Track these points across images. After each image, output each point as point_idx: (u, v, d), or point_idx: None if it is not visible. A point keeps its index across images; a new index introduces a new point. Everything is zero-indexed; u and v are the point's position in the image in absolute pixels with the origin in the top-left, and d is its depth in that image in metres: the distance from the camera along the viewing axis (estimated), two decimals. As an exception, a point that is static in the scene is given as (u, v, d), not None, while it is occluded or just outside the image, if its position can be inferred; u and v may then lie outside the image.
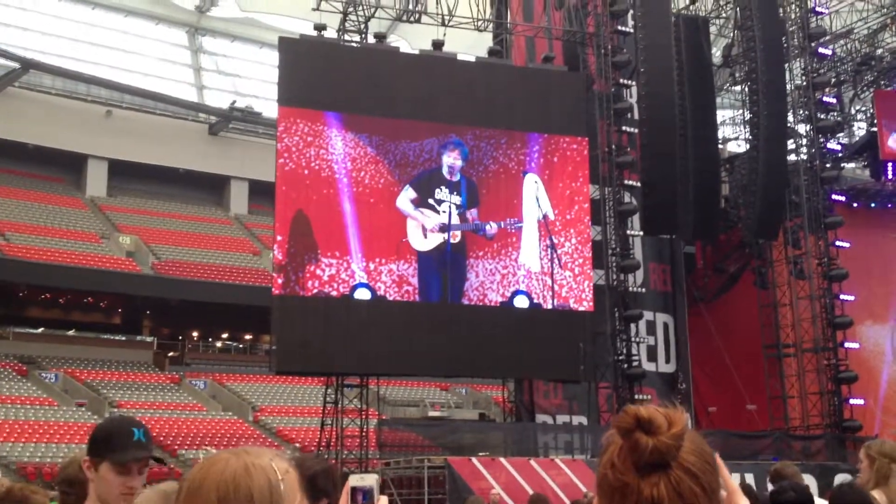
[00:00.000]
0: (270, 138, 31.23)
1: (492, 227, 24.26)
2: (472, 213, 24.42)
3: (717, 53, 31.56)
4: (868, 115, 33.19)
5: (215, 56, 54.83)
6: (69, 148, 45.94)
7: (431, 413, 32.12)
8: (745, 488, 8.23)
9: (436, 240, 23.85)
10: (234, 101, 51.25)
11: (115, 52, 50.76)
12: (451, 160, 24.40)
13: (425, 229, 23.78)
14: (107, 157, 47.33)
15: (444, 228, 23.90)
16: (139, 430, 3.04)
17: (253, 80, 53.67)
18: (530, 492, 12.59)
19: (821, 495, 8.11)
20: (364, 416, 24.34)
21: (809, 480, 17.10)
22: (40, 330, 40.81)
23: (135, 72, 50.53)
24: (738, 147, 31.98)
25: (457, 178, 24.39)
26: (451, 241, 23.92)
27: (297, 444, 30.73)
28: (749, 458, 22.37)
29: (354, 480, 2.03)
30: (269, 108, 45.55)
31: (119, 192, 47.73)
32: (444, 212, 24.04)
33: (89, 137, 46.09)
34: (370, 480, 2.03)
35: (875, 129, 31.43)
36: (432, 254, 23.85)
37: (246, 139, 50.16)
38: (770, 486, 7.10)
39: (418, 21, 26.68)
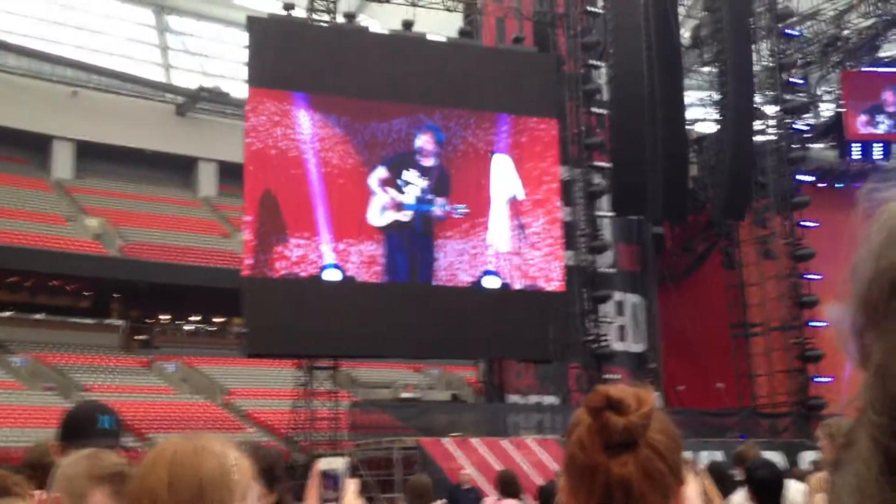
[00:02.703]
0: (239, 119, 31.00)
1: (439, 210, 24.23)
2: (438, 201, 24.38)
3: (685, 34, 31.66)
4: (835, 95, 33.48)
5: (182, 35, 54.23)
6: (34, 129, 45.29)
7: (403, 394, 32.11)
8: (717, 467, 8.33)
9: (390, 217, 23.84)
10: (202, 82, 50.76)
11: (80, 31, 50.07)
12: (421, 142, 24.36)
13: (383, 206, 23.79)
14: (73, 139, 46.75)
15: (399, 207, 23.90)
16: (105, 416, 3.04)
17: (220, 60, 53.17)
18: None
19: (786, 472, 8.23)
20: (335, 399, 24.35)
21: (776, 457, 17.34)
22: (7, 313, 40.36)
23: (101, 52, 49.88)
24: (706, 128, 32.14)
25: (431, 162, 24.37)
26: (405, 220, 23.92)
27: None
28: (717, 436, 22.62)
29: (323, 464, 2.02)
30: (236, 88, 45.18)
31: (86, 173, 47.16)
32: (407, 193, 24.04)
33: (55, 118, 45.46)
34: (338, 464, 2.02)
35: (842, 109, 31.72)
36: (400, 233, 23.85)
37: (214, 120, 49.69)
38: (736, 468, 7.20)
39: (388, 0, 26.53)
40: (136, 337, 42.37)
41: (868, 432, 0.70)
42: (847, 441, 0.72)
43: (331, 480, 2.00)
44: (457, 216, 24.35)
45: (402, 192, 24.02)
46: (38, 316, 40.87)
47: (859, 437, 0.71)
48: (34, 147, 46.43)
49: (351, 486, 2.00)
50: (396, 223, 23.89)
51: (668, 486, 1.42)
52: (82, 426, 3.04)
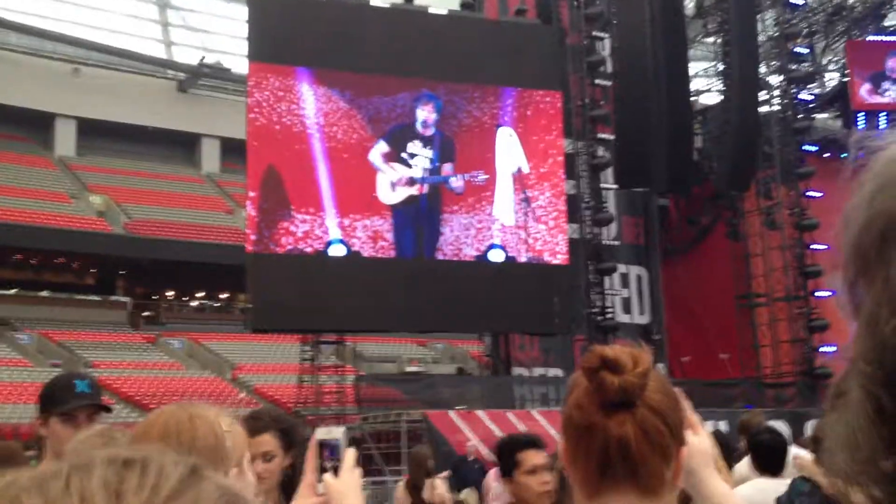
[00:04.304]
0: (241, 95, 30.88)
1: (458, 181, 24.22)
2: (445, 168, 24.37)
3: (689, 5, 31.42)
4: (840, 65, 33.26)
5: (182, 11, 53.93)
6: (36, 107, 45.22)
7: (409, 368, 32.24)
8: (720, 437, 8.35)
9: (403, 193, 23.81)
10: (203, 58, 50.55)
11: (80, 8, 49.82)
12: (424, 114, 24.29)
13: (393, 183, 23.74)
14: (75, 116, 46.68)
15: (412, 182, 23.86)
16: (82, 381, 3.09)
17: (222, 36, 52.85)
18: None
19: (793, 440, 8.26)
20: (341, 373, 24.43)
21: (781, 427, 17.39)
22: (13, 291, 40.48)
23: (101, 29, 49.65)
24: (710, 99, 31.99)
25: (431, 132, 24.30)
26: (418, 193, 23.90)
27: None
28: (722, 407, 22.67)
29: (321, 434, 2.00)
30: (238, 63, 44.91)
31: (88, 151, 47.12)
32: (415, 165, 23.98)
33: (57, 96, 45.38)
34: (337, 434, 2.01)
35: (847, 79, 31.53)
36: (406, 208, 23.82)
37: (216, 96, 49.54)
38: (740, 439, 7.23)
39: (389, -27, 26.34)
40: (142, 313, 42.51)
41: (859, 382, 0.70)
42: (838, 391, 0.72)
43: (329, 450, 1.99)
44: (477, 183, 24.29)
45: (410, 166, 23.96)
46: (43, 293, 40.99)
47: (850, 388, 0.71)
48: (36, 125, 46.38)
49: (350, 455, 2.00)
50: (409, 198, 23.84)
51: (667, 446, 1.41)
52: (60, 393, 3.09)
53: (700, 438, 1.57)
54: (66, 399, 3.05)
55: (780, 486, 4.64)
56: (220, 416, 1.73)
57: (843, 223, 0.73)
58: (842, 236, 0.74)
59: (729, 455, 6.12)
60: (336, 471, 1.94)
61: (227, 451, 1.67)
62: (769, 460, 4.90)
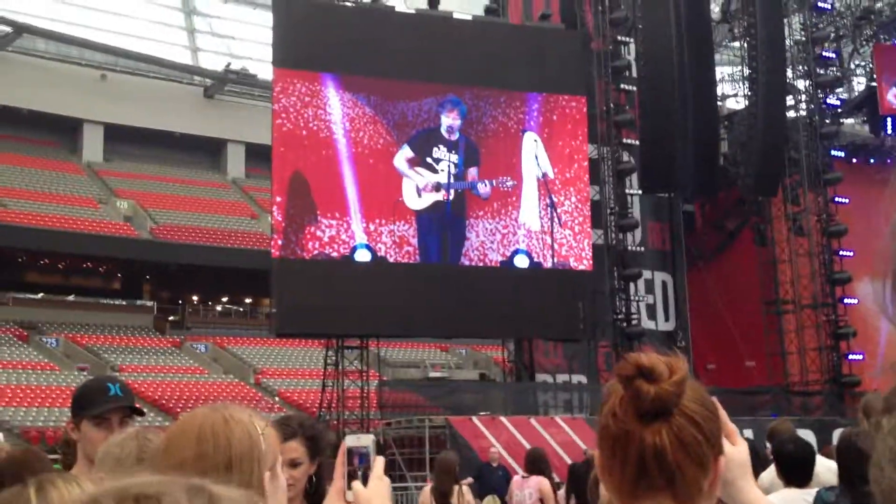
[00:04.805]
0: (266, 101, 31.03)
1: (485, 187, 24.20)
2: (471, 173, 24.35)
3: (715, 9, 31.26)
4: (867, 69, 32.96)
5: (209, 18, 54.31)
6: (64, 112, 45.66)
7: (432, 374, 32.19)
8: (749, 444, 8.28)
9: (429, 199, 23.81)
10: (229, 64, 50.85)
11: (108, 14, 50.27)
12: (449, 120, 24.29)
13: (419, 188, 23.75)
14: (102, 122, 47.08)
15: (438, 187, 23.86)
16: (115, 385, 3.10)
17: (247, 42, 53.17)
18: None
19: (819, 450, 8.16)
20: (365, 378, 24.43)
21: (808, 435, 17.22)
22: (40, 295, 40.84)
23: (129, 35, 50.07)
24: (737, 104, 31.79)
25: (455, 136, 24.30)
26: (445, 199, 23.89)
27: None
28: (748, 415, 22.47)
29: (351, 441, 1.99)
30: (264, 70, 45.13)
31: (115, 156, 47.52)
32: (441, 170, 23.98)
33: (84, 102, 45.79)
34: (366, 441, 2.00)
35: (874, 83, 31.24)
36: (431, 214, 23.82)
37: (242, 102, 49.83)
38: (768, 445, 7.15)
39: (414, -21, 26.41)
40: (167, 318, 42.76)
41: None
42: (888, 405, 0.70)
43: (358, 457, 1.98)
44: (505, 189, 24.26)
45: (437, 172, 23.96)
46: (70, 297, 41.33)
47: None
48: (64, 130, 46.83)
49: (379, 463, 1.99)
50: (435, 204, 23.83)
51: (703, 456, 1.39)
52: (94, 396, 3.10)
53: (737, 448, 1.54)
54: (99, 402, 3.06)
55: (806, 496, 4.57)
56: (254, 418, 1.72)
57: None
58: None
59: (758, 462, 6.06)
60: (365, 478, 1.93)
61: (262, 453, 1.67)
62: (795, 471, 4.82)
